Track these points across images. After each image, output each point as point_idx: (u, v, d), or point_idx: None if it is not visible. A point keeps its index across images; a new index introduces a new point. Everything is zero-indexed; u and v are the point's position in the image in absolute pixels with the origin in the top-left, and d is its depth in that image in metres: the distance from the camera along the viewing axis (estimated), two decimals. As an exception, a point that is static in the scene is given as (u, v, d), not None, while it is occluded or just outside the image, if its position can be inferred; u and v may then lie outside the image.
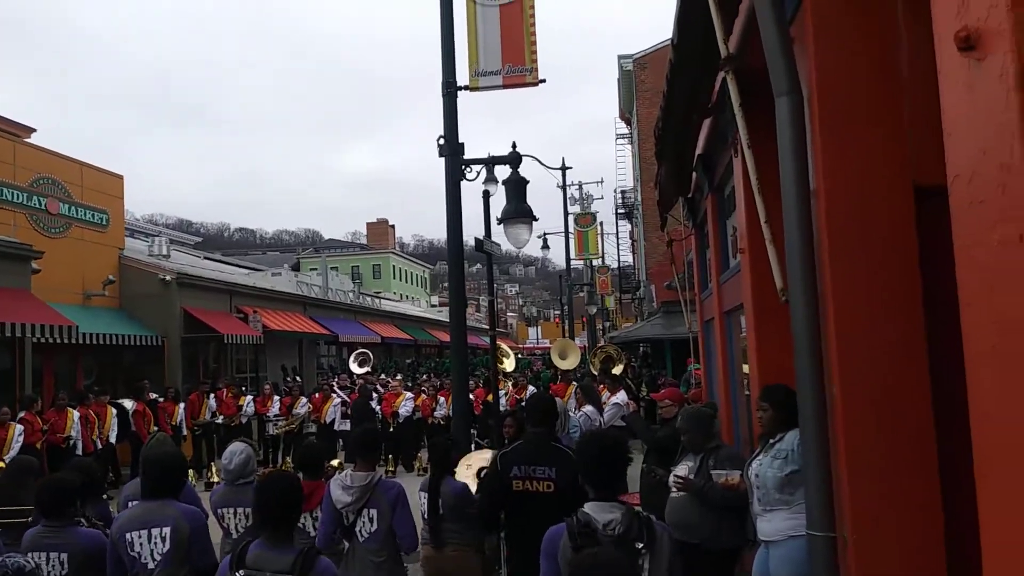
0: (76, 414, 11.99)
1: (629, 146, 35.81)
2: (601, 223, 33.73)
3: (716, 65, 3.88)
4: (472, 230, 7.59)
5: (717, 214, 6.89)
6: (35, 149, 15.82)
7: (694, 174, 7.35)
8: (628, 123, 34.99)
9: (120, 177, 17.71)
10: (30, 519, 4.25)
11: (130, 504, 4.90)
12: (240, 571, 3.07)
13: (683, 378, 13.59)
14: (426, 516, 5.08)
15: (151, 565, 3.83)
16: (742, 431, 6.55)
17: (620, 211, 37.87)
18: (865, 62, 3.05)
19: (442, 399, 14.87)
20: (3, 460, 9.69)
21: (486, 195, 8.45)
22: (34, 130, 20.94)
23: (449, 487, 5.11)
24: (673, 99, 5.17)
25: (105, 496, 5.75)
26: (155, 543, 3.83)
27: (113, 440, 12.80)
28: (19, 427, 10.77)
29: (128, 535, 3.85)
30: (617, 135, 37.24)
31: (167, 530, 3.84)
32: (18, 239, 13.49)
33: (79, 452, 11.33)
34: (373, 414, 14.19)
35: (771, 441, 4.24)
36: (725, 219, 6.72)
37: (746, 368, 5.71)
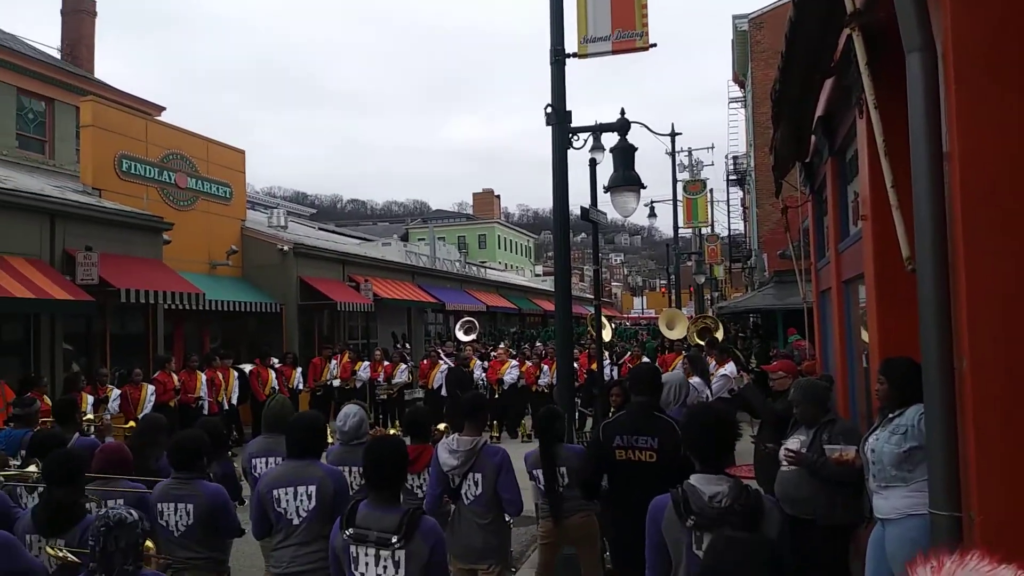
0: (203, 376, 12.80)
1: (742, 110, 34.53)
2: (711, 190, 32.83)
3: (840, 21, 3.67)
4: (578, 199, 7.52)
5: (837, 179, 6.59)
6: (165, 126, 16.78)
7: (813, 137, 7.03)
8: (742, 86, 33.71)
9: (242, 152, 18.55)
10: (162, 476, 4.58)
11: (254, 461, 5.20)
12: (350, 529, 3.18)
13: (787, 349, 13.15)
14: (543, 489, 5.05)
15: (296, 521, 4.02)
16: (859, 405, 6.29)
17: (731, 178, 36.70)
18: (1006, 15, 2.81)
19: (545, 367, 14.98)
20: (136, 418, 10.46)
21: (592, 163, 8.35)
22: (164, 108, 22.23)
23: (570, 452, 5.13)
24: (793, 59, 4.94)
25: (229, 454, 6.12)
26: (300, 500, 4.02)
27: (235, 402, 13.59)
28: (151, 387, 11.57)
29: (275, 491, 4.05)
30: (730, 99, 35.93)
31: (312, 488, 4.02)
32: (150, 212, 14.41)
33: (205, 412, 12.08)
34: (470, 382, 14.44)
35: (890, 415, 4.05)
36: (846, 184, 6.42)
37: (865, 338, 5.47)
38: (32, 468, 4.77)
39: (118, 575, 2.87)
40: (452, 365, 15.56)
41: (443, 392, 15.10)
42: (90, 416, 9.15)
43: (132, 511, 3.02)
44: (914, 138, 2.94)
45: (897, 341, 4.43)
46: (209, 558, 4.23)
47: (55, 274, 11.53)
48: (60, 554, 3.46)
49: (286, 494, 4.03)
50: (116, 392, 11.06)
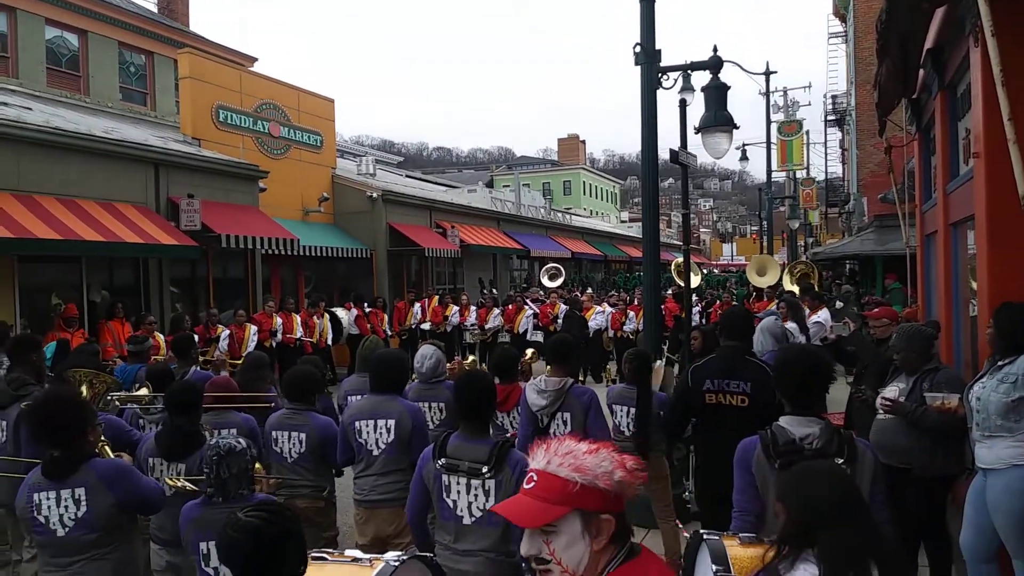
0: (298, 318, 13.35)
1: (843, 46, 32.69)
2: (807, 132, 31.41)
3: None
4: (665, 144, 7.36)
5: (947, 115, 6.21)
6: (258, 77, 17.19)
7: (921, 72, 6.62)
8: (843, 20, 31.85)
9: (331, 101, 18.84)
10: (272, 405, 4.85)
11: (349, 398, 5.43)
12: (442, 459, 3.31)
13: (888, 296, 12.62)
14: (633, 427, 5.14)
15: (375, 452, 4.24)
16: (964, 354, 6.03)
17: (829, 118, 34.96)
18: None
19: (632, 313, 14.92)
20: (241, 356, 11.01)
21: (683, 104, 8.10)
22: (256, 59, 22.75)
23: (656, 398, 5.20)
24: (900, -15, 4.63)
25: (328, 391, 6.40)
26: (380, 433, 4.22)
27: (329, 342, 14.13)
28: (253, 327, 12.20)
29: (357, 423, 4.27)
30: (829, 34, 34.02)
31: (391, 422, 4.21)
32: (246, 160, 14.89)
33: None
34: (583, 324, 14.54)
35: (999, 363, 3.87)
36: (956, 121, 6.04)
37: (974, 285, 5.20)
38: (143, 391, 5.13)
39: (233, 498, 3.07)
40: (537, 311, 15.72)
41: (528, 337, 15.29)
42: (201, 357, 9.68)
43: (241, 439, 3.21)
44: (1037, 65, 2.74)
45: (1009, 286, 4.21)
46: (316, 486, 4.53)
47: (161, 220, 12.12)
48: (179, 484, 3.72)
49: (367, 426, 4.23)
50: (226, 332, 11.69)
